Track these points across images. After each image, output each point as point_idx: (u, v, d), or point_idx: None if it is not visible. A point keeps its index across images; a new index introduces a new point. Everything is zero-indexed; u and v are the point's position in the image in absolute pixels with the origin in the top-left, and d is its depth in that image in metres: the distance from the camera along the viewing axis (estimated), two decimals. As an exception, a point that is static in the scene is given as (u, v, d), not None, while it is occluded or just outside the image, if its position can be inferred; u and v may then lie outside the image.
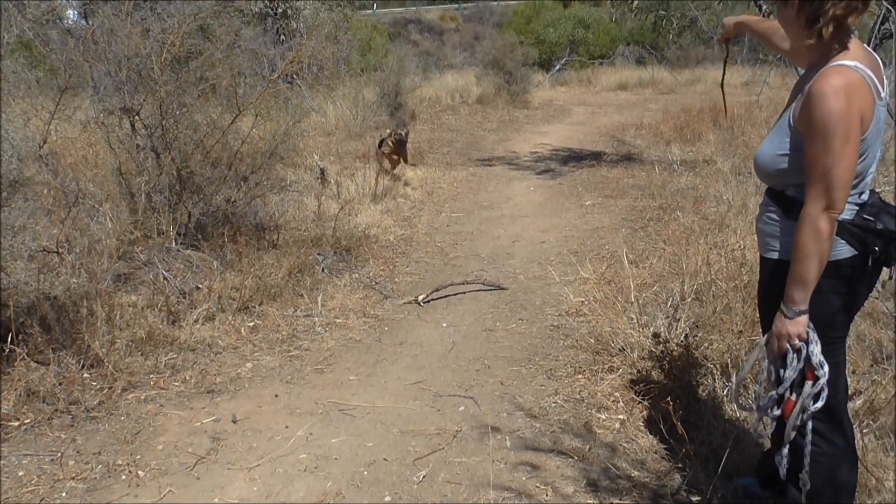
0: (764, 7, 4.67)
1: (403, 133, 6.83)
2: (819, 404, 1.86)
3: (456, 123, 11.36)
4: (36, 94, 4.81)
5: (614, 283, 4.30)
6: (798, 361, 1.87)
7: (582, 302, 4.12)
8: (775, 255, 1.96)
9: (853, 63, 1.72)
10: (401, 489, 2.56)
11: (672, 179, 7.07)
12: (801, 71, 2.02)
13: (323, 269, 4.67)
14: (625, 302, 3.87)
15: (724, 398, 2.90)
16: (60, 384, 3.07)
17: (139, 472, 2.66)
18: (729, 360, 3.03)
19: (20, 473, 2.62)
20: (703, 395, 2.97)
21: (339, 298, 4.31)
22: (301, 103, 9.19)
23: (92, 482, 2.59)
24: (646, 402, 3.01)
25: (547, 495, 2.49)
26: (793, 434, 1.91)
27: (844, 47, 1.76)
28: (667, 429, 2.70)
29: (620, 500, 2.44)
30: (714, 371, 3.03)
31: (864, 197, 1.87)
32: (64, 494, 2.52)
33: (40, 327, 3.23)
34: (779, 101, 8.63)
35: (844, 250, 1.84)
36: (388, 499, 2.52)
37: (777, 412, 1.94)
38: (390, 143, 6.96)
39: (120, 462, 2.71)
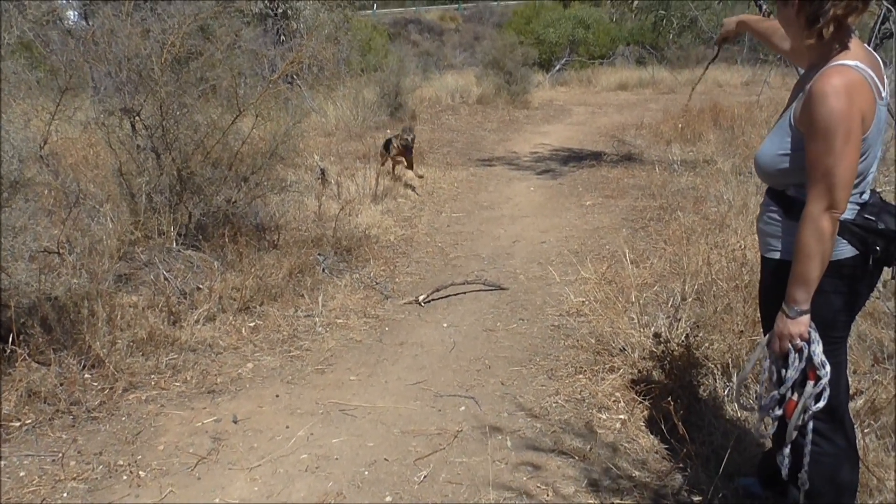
0: (764, 7, 4.66)
1: (410, 139, 6.72)
2: (821, 404, 1.86)
3: (456, 123, 11.37)
4: (36, 95, 4.80)
5: (615, 283, 4.30)
6: (800, 361, 1.87)
7: (582, 302, 4.12)
8: (776, 255, 1.96)
9: (854, 63, 1.72)
10: (402, 489, 2.57)
11: (672, 179, 7.07)
12: (802, 71, 2.02)
13: (323, 270, 4.67)
14: (625, 302, 3.87)
15: (725, 398, 2.90)
16: (61, 385, 3.08)
17: (140, 472, 2.66)
18: (730, 360, 3.03)
19: (21, 474, 2.63)
20: (704, 395, 2.97)
21: (340, 299, 4.31)
22: (301, 104, 9.19)
23: (93, 482, 2.59)
24: (647, 402, 3.01)
25: (548, 495, 2.49)
26: (794, 434, 1.91)
27: (845, 47, 1.76)
28: (668, 429, 2.70)
29: (622, 500, 2.44)
30: (715, 371, 3.03)
31: (866, 197, 1.87)
32: (65, 495, 2.53)
33: (41, 328, 3.24)
34: (779, 101, 8.63)
35: (846, 250, 1.84)
36: (388, 499, 2.52)
37: (779, 412, 1.94)
38: (397, 147, 6.86)
39: (121, 462, 2.71)
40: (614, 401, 3.08)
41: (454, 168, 8.17)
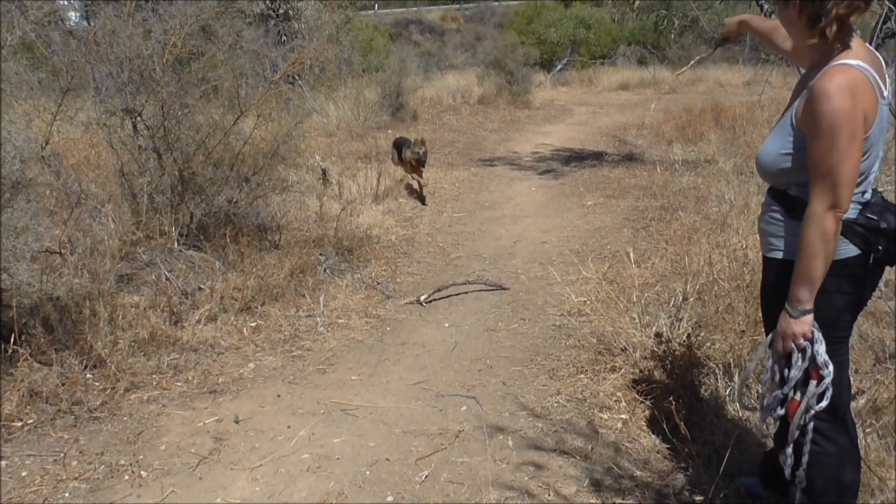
0: (765, 7, 4.66)
1: (422, 152, 6.55)
2: (823, 404, 1.86)
3: (457, 124, 11.36)
4: (38, 96, 4.81)
5: (616, 282, 4.30)
6: (803, 361, 1.86)
7: (584, 302, 4.12)
8: (779, 255, 1.95)
9: (856, 62, 1.72)
10: (403, 489, 2.57)
11: (674, 179, 7.06)
12: (803, 70, 2.02)
13: (325, 270, 4.67)
14: (627, 302, 3.87)
15: (727, 398, 2.90)
16: (63, 385, 3.08)
17: (142, 472, 2.66)
18: (731, 360, 3.03)
19: (23, 474, 2.63)
20: (706, 394, 2.97)
21: (342, 299, 4.31)
22: (303, 104, 9.19)
23: (95, 482, 2.60)
24: (648, 402, 3.01)
25: (549, 495, 2.49)
26: (797, 433, 1.90)
27: (847, 46, 1.76)
28: (669, 428, 2.70)
29: (623, 499, 2.44)
30: (716, 371, 3.03)
31: (868, 196, 1.86)
32: (67, 495, 2.53)
33: (43, 328, 3.24)
34: (780, 100, 8.62)
35: (848, 249, 1.83)
36: (390, 499, 2.52)
37: (781, 412, 1.94)
38: (410, 162, 6.67)
39: (123, 462, 2.72)
40: (616, 400, 3.08)
41: (455, 168, 8.17)
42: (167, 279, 4.05)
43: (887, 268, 1.92)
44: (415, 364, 3.56)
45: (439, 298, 4.36)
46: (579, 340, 3.68)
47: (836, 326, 1.90)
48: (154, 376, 3.35)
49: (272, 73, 5.45)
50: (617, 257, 4.87)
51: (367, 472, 2.66)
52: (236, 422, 3.02)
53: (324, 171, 6.72)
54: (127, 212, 4.58)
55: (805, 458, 1.92)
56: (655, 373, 3.17)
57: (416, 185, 6.86)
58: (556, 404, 3.11)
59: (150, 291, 3.98)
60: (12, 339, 3.07)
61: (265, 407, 3.15)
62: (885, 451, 2.45)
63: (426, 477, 2.63)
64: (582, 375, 3.32)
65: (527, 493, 2.50)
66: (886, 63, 1.92)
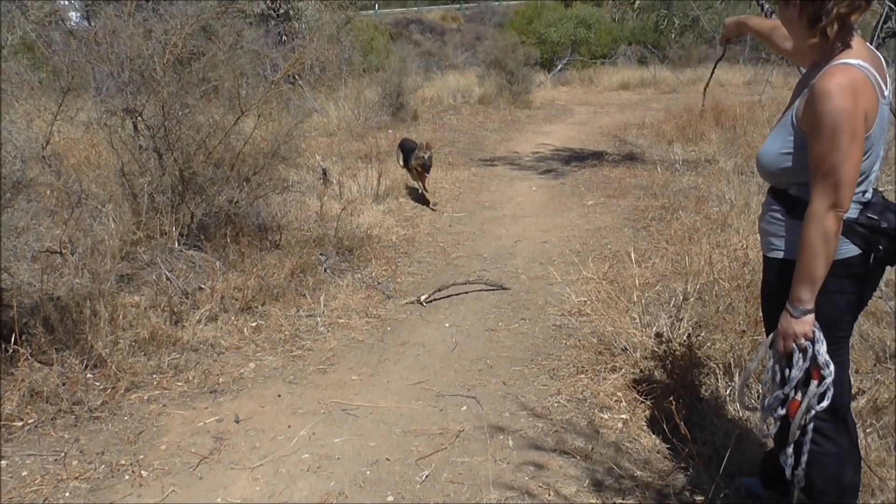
0: (766, 6, 4.66)
1: (427, 157, 6.42)
2: (824, 404, 1.86)
3: (458, 123, 11.36)
4: (39, 96, 4.81)
5: (617, 282, 4.30)
6: (804, 361, 1.86)
7: (584, 302, 4.12)
8: (779, 255, 1.95)
9: (856, 61, 1.72)
10: (403, 489, 2.57)
11: (674, 179, 7.06)
12: (803, 70, 2.02)
13: (325, 270, 4.68)
14: (627, 301, 3.87)
15: (727, 398, 2.90)
16: (64, 384, 3.08)
17: (142, 471, 2.66)
18: (732, 360, 3.03)
19: (24, 473, 2.63)
20: (706, 394, 2.97)
21: (342, 298, 4.31)
22: (303, 104, 9.19)
23: (95, 482, 2.60)
24: (648, 402, 3.01)
25: (550, 495, 2.49)
26: (798, 433, 1.90)
27: (847, 46, 1.76)
28: (670, 428, 2.70)
29: (624, 499, 2.44)
30: (717, 371, 3.03)
31: (868, 196, 1.86)
32: (67, 494, 2.53)
33: (44, 328, 3.24)
34: (781, 100, 8.62)
35: (849, 249, 1.83)
36: (390, 498, 2.52)
37: (782, 412, 1.93)
38: (415, 168, 6.53)
39: (123, 462, 2.72)
40: (616, 400, 3.08)
41: (456, 168, 8.17)
42: (168, 279, 4.05)
43: (888, 267, 1.92)
44: (415, 364, 3.56)
45: (440, 298, 4.37)
46: (580, 340, 3.68)
47: (837, 326, 1.90)
48: (154, 376, 3.35)
49: (273, 73, 5.45)
50: (617, 257, 4.87)
51: (368, 472, 2.66)
52: (237, 421, 3.02)
53: (324, 171, 6.73)
54: (127, 212, 4.58)
55: (805, 458, 1.92)
56: (656, 373, 3.17)
57: (418, 188, 6.78)
58: (556, 404, 3.11)
59: (150, 291, 3.98)
60: (13, 339, 3.07)
61: (266, 407, 3.15)
62: (886, 451, 2.45)
63: (426, 477, 2.63)
64: (582, 375, 3.32)
65: (527, 493, 2.50)
66: (887, 62, 1.92)
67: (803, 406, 1.87)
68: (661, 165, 7.66)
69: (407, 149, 6.78)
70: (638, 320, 3.60)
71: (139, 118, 4.62)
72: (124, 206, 4.62)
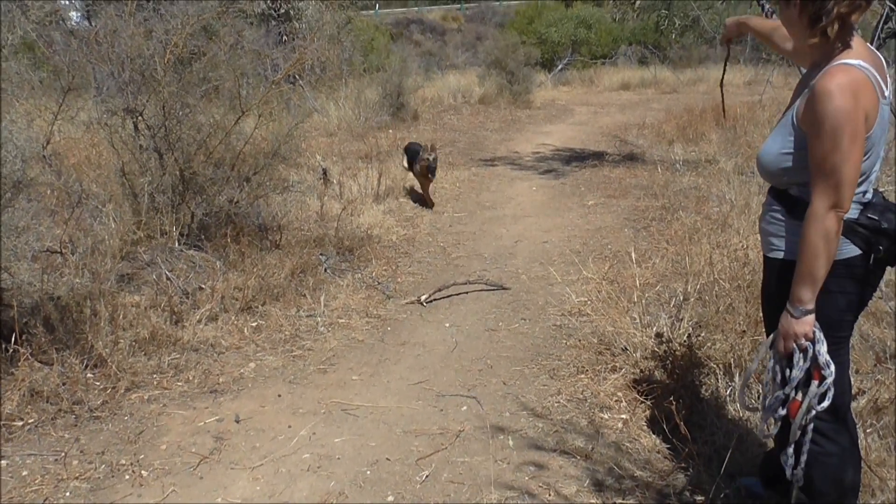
0: (766, 7, 4.66)
1: (431, 158, 6.24)
2: (825, 404, 1.86)
3: (458, 123, 11.37)
4: (39, 95, 4.82)
5: (617, 282, 4.30)
6: (804, 361, 1.86)
7: (584, 302, 4.11)
8: (780, 255, 1.95)
9: (857, 62, 1.72)
10: (404, 489, 2.57)
11: (675, 179, 7.06)
12: (804, 70, 2.02)
13: (326, 270, 4.68)
14: (627, 302, 3.87)
15: (728, 398, 2.90)
16: (64, 384, 3.08)
17: (143, 471, 2.66)
18: (732, 360, 3.03)
19: (24, 473, 2.63)
20: (706, 394, 2.97)
21: (342, 298, 4.31)
22: (304, 104, 9.20)
23: (96, 482, 2.60)
24: (649, 402, 3.01)
25: (550, 495, 2.49)
26: (798, 434, 1.90)
27: (847, 46, 1.76)
28: (670, 429, 2.70)
29: (624, 499, 2.44)
30: (717, 371, 3.02)
31: (869, 196, 1.86)
32: (68, 494, 2.53)
33: (44, 327, 3.24)
34: (781, 100, 8.61)
35: (850, 250, 1.83)
36: (391, 498, 2.52)
37: (783, 412, 1.93)
38: (420, 169, 6.37)
39: (123, 462, 2.72)
40: (616, 400, 3.08)
41: (456, 168, 8.17)
42: (168, 279, 4.06)
43: (888, 268, 1.92)
44: (415, 364, 3.56)
45: (440, 298, 4.37)
46: (580, 340, 3.68)
47: (838, 327, 1.90)
48: (155, 376, 3.35)
49: (273, 73, 5.45)
50: (618, 257, 4.87)
51: (368, 472, 2.66)
52: (237, 421, 3.02)
53: (325, 171, 6.73)
54: (128, 211, 4.58)
55: (805, 458, 1.92)
56: (656, 373, 3.17)
57: (420, 189, 6.67)
58: (556, 404, 3.11)
59: (150, 291, 3.98)
60: (13, 339, 3.07)
61: (266, 406, 3.15)
62: (886, 452, 2.45)
63: (427, 477, 2.63)
64: (582, 375, 3.32)
65: (527, 493, 2.50)
66: (887, 63, 1.92)
67: (804, 406, 1.87)
68: (662, 166, 7.66)
69: (412, 152, 6.62)
70: (638, 320, 3.60)
71: (140, 118, 4.62)
72: (125, 206, 4.63)
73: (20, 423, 2.91)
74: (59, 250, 3.75)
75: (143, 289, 4.04)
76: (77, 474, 2.63)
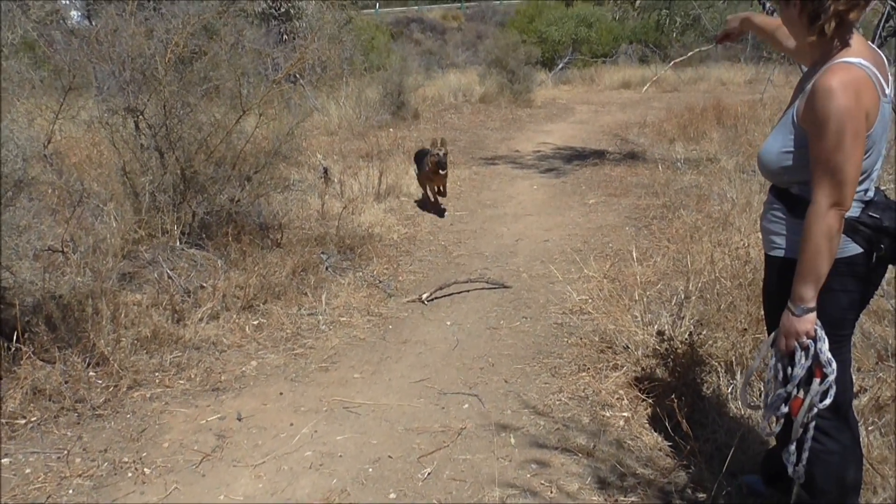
0: (767, 5, 4.65)
1: (442, 154, 5.84)
2: (827, 402, 1.86)
3: (459, 122, 11.37)
4: (40, 94, 4.82)
5: (618, 281, 4.30)
6: (806, 359, 1.86)
7: (586, 300, 4.12)
8: (780, 254, 1.95)
9: (857, 60, 1.72)
10: (406, 486, 2.57)
11: (676, 178, 7.06)
12: (805, 69, 2.02)
13: (327, 268, 4.68)
14: (629, 300, 3.87)
15: (729, 396, 2.90)
16: (66, 382, 3.09)
17: (145, 469, 2.67)
18: (733, 358, 3.03)
19: (27, 471, 2.64)
20: (708, 392, 2.97)
21: (344, 297, 4.32)
22: (304, 103, 9.20)
23: (98, 479, 2.60)
24: (650, 400, 3.01)
25: (552, 492, 2.49)
26: (800, 432, 1.90)
27: (846, 44, 1.76)
28: (671, 426, 2.69)
29: (626, 497, 2.44)
30: (718, 369, 3.03)
31: (871, 194, 1.86)
32: (71, 492, 2.54)
33: (46, 326, 3.24)
34: (783, 99, 8.60)
35: (851, 248, 1.83)
36: (392, 496, 2.52)
37: (785, 410, 1.93)
38: (430, 165, 6.01)
39: (126, 459, 2.72)
40: (618, 398, 3.08)
41: (457, 167, 8.16)
42: (169, 277, 4.06)
43: (889, 266, 1.92)
44: (417, 362, 3.56)
45: (441, 297, 4.37)
46: (581, 338, 3.69)
47: (840, 325, 1.90)
48: (157, 374, 3.35)
49: (274, 72, 5.46)
50: (619, 255, 4.87)
51: (370, 470, 2.67)
52: (239, 419, 3.02)
53: (325, 170, 6.73)
54: (129, 210, 4.59)
55: (806, 456, 1.92)
56: (657, 371, 3.17)
57: (432, 197, 6.36)
58: (558, 402, 3.11)
59: (152, 290, 3.98)
60: (15, 337, 3.08)
61: (268, 405, 3.15)
62: (888, 449, 2.45)
63: (429, 474, 2.63)
64: (584, 373, 3.32)
65: (529, 490, 2.50)
66: (889, 61, 1.92)
67: (806, 404, 1.87)
68: (663, 164, 7.66)
69: (422, 156, 6.28)
70: (639, 318, 3.60)
71: (141, 117, 4.63)
72: (126, 205, 4.63)
73: (23, 421, 2.91)
74: (60, 249, 3.75)
75: (144, 287, 4.05)
76: (80, 472, 2.63)
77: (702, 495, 2.41)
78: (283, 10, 10.82)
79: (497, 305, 4.24)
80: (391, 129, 9.76)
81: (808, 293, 1.80)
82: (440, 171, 6.01)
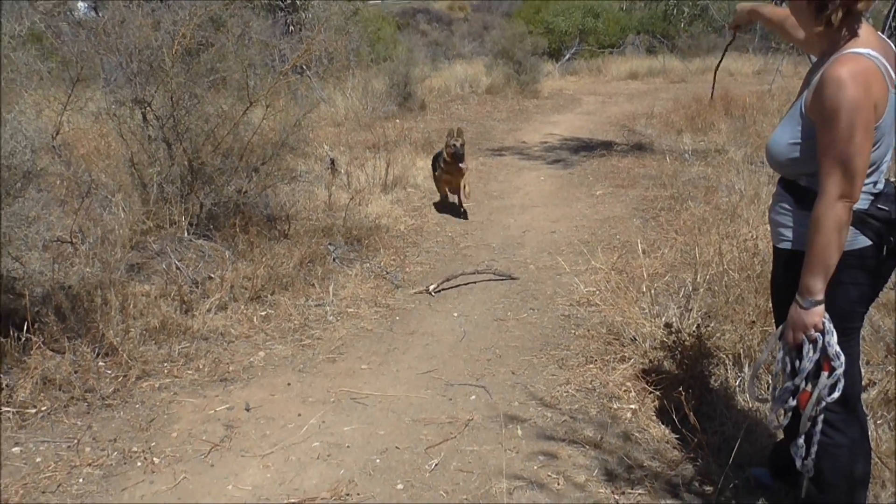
0: (776, -4, 4.62)
1: (458, 144, 5.48)
2: (835, 395, 1.85)
3: (465, 113, 11.34)
4: (48, 86, 4.84)
5: (625, 272, 4.29)
6: (814, 352, 1.85)
7: (593, 292, 4.11)
8: (788, 246, 1.95)
9: (866, 50, 1.71)
10: (413, 477, 2.58)
11: (683, 169, 7.03)
12: (814, 59, 2.00)
13: (334, 259, 4.69)
14: (636, 292, 3.86)
15: (737, 388, 2.90)
16: (76, 372, 3.11)
17: (154, 458, 2.69)
18: (741, 351, 3.02)
19: (38, 460, 2.66)
20: (715, 385, 2.96)
21: (351, 288, 4.32)
22: (311, 94, 9.20)
23: (108, 468, 2.62)
24: (658, 392, 3.00)
25: (559, 484, 2.50)
26: (808, 425, 1.90)
27: (855, 34, 1.74)
28: (679, 419, 2.69)
29: (633, 489, 2.45)
30: (726, 361, 3.02)
31: (880, 186, 1.85)
32: (80, 480, 2.56)
33: (55, 316, 3.26)
34: (791, 89, 8.55)
35: (860, 240, 1.82)
36: (400, 486, 2.53)
37: (793, 403, 1.93)
38: (445, 159, 5.68)
39: (135, 449, 2.74)
40: (625, 390, 3.08)
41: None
42: (177, 268, 4.07)
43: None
44: (424, 353, 3.57)
45: (448, 288, 4.37)
46: (588, 330, 3.68)
47: (849, 318, 1.89)
48: (165, 364, 3.37)
49: (281, 63, 5.45)
50: (626, 247, 4.86)
51: (378, 460, 2.68)
52: (247, 410, 3.04)
53: (332, 161, 6.73)
54: (137, 201, 4.60)
55: (815, 449, 1.92)
56: (665, 363, 3.17)
57: (451, 198, 6.05)
58: (565, 394, 3.11)
59: (160, 280, 4.00)
60: (25, 328, 3.10)
61: (275, 395, 3.17)
62: (896, 442, 2.45)
63: (436, 465, 2.64)
64: (591, 365, 3.32)
65: (537, 482, 2.51)
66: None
67: (814, 397, 1.87)
68: (670, 155, 7.63)
69: (437, 158, 5.98)
70: (647, 310, 3.59)
71: (148, 108, 4.63)
72: (134, 196, 4.65)
73: (33, 411, 2.93)
74: (69, 240, 3.77)
75: (152, 278, 4.06)
76: (90, 461, 2.65)
77: (709, 488, 2.41)
78: (289, 1, 10.80)
79: (504, 297, 4.24)
80: (398, 120, 9.74)
81: (816, 285, 1.79)
82: (458, 165, 5.51)
